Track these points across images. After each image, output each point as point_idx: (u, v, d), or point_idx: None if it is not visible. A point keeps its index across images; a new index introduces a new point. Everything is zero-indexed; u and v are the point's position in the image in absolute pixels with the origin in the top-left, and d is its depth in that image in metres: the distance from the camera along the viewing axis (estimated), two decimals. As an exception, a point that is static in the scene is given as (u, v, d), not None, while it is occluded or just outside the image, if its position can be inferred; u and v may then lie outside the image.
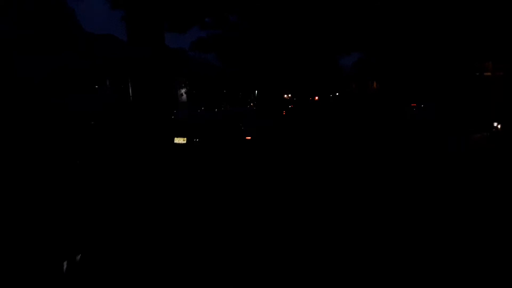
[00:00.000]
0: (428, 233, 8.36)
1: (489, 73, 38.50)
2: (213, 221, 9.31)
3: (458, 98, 32.53)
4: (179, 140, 19.68)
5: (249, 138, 24.64)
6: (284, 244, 8.00)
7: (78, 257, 6.94)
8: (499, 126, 23.85)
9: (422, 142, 21.61)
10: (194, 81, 42.82)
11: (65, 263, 6.67)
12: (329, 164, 15.64)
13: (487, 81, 37.43)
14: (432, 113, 31.99)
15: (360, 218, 9.43)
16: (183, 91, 39.32)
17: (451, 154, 18.54)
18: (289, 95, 56.34)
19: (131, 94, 27.74)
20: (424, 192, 11.23)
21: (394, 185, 12.11)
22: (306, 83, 52.74)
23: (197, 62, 47.17)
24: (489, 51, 35.70)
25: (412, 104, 39.05)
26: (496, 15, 33.16)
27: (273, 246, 7.88)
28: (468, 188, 11.57)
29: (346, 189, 11.86)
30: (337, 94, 56.33)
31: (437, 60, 36.91)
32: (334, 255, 7.57)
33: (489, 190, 11.36)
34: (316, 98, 55.92)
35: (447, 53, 36.18)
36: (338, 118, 37.81)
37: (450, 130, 25.36)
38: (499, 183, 12.15)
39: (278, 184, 12.71)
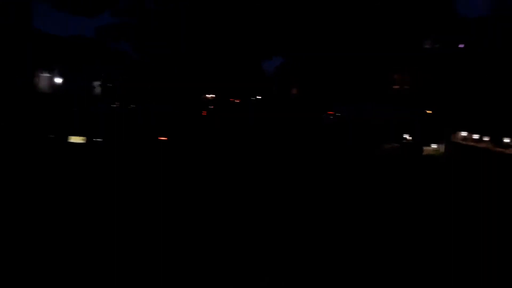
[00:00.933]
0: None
1: (397, 86, 40.01)
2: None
3: (373, 110, 33.35)
4: (75, 140, 17.99)
5: (163, 138, 23.53)
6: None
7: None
8: (409, 138, 24.80)
9: (335, 148, 22.10)
10: (111, 73, 40.50)
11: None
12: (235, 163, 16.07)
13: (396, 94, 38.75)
14: (347, 124, 32.54)
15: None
16: (97, 83, 37.16)
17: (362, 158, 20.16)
18: (213, 96, 55.36)
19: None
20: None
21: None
22: (229, 84, 51.75)
23: (111, 53, 44.62)
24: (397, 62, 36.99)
25: (329, 112, 39.47)
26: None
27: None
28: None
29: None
30: (259, 97, 55.96)
31: (353, 70, 37.62)
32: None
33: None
34: (238, 100, 55.18)
35: (362, 64, 36.97)
36: (254, 122, 37.54)
37: (364, 139, 26.00)
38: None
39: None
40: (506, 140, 19.47)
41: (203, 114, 45.25)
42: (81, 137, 17.22)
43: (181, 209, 10.64)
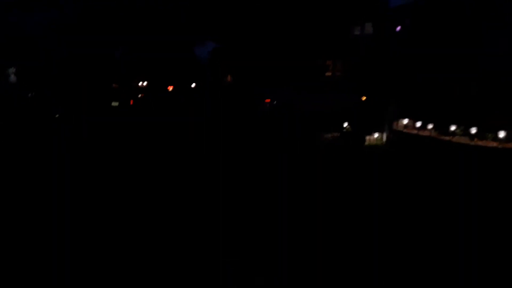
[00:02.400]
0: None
1: (329, 73, 39.33)
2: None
3: (311, 99, 31.88)
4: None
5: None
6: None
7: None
8: (347, 126, 23.46)
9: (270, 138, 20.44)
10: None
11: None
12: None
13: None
14: (285, 113, 30.66)
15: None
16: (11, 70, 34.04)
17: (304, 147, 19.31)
18: (144, 83, 52.39)
19: None
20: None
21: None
22: (159, 71, 48.84)
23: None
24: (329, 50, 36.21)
25: (266, 100, 37.53)
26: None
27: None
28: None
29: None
30: (194, 85, 53.28)
31: (284, 56, 36.02)
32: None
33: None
34: (170, 88, 52.40)
35: (293, 51, 35.51)
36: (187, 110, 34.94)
37: (302, 129, 24.54)
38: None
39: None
40: (452, 127, 18.18)
41: (130, 103, 42.37)
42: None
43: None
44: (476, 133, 16.81)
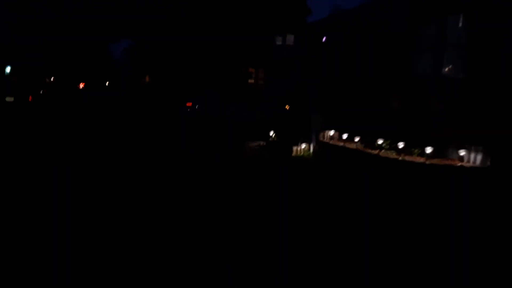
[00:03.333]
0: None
1: (252, 81, 39.30)
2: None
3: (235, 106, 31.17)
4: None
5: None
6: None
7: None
8: (273, 136, 22.90)
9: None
10: None
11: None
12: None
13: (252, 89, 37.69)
14: (207, 119, 29.45)
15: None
16: None
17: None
18: (51, 79, 48.89)
19: None
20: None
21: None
22: (67, 67, 45.79)
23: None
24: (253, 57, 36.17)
25: (188, 104, 36.08)
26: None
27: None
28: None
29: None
30: (107, 83, 50.43)
31: (209, 58, 35.09)
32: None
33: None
34: (82, 85, 49.41)
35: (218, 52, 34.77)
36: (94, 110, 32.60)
37: (226, 136, 23.63)
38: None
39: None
40: (380, 141, 18.14)
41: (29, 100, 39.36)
42: None
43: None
44: (403, 148, 16.83)
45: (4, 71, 41.99)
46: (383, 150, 17.83)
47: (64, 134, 22.07)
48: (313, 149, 20.13)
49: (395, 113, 19.91)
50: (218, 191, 11.97)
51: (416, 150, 16.58)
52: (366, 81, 21.58)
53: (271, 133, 23.11)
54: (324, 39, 27.99)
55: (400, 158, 16.35)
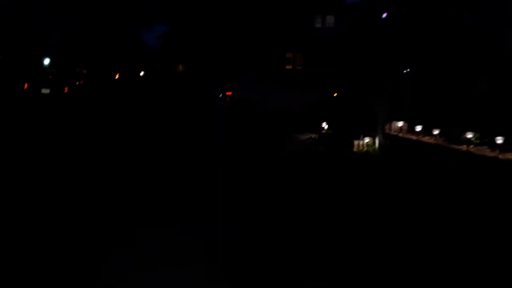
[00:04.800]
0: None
1: (290, 66, 36.69)
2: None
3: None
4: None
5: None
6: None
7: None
8: (326, 127, 19.59)
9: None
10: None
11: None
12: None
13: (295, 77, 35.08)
14: (249, 108, 26.21)
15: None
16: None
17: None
18: (84, 71, 47.66)
19: None
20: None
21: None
22: (102, 58, 44.55)
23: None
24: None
25: (228, 93, 32.88)
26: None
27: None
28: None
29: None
30: (142, 73, 48.43)
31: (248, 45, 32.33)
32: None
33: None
34: (117, 75, 47.91)
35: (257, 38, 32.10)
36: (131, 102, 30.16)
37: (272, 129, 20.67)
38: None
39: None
40: (469, 135, 14.40)
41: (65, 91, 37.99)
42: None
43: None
44: (502, 144, 13.09)
45: (42, 63, 41.98)
46: (471, 146, 14.13)
47: (96, 127, 20.10)
48: (379, 143, 16.63)
49: (483, 101, 16.09)
50: (281, 204, 9.02)
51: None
52: (444, 62, 17.74)
53: (324, 124, 19.74)
54: (384, 15, 24.22)
55: (501, 157, 12.64)
